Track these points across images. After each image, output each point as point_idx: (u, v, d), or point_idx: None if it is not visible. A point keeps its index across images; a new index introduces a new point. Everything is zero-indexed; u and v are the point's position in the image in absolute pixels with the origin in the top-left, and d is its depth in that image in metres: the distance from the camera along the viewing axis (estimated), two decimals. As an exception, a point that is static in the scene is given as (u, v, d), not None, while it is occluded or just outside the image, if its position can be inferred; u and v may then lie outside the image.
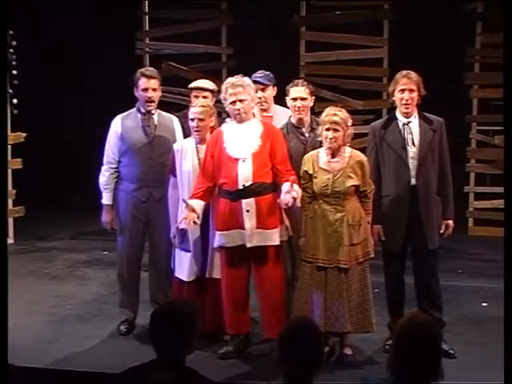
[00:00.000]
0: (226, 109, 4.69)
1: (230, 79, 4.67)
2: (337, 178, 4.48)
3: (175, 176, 4.84)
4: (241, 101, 4.55)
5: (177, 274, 4.87)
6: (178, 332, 2.81)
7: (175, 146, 4.87)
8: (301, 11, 8.23)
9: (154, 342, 2.85)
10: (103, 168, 5.11)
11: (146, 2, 8.52)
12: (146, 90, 4.98)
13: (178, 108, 5.75)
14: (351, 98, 7.97)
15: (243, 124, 4.59)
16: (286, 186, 4.39)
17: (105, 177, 5.08)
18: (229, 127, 4.67)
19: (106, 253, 7.23)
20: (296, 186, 4.40)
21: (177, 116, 5.23)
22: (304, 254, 4.55)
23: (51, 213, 8.79)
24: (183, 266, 4.82)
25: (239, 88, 4.55)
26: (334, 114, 4.47)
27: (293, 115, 4.89)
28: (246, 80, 4.65)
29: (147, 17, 8.57)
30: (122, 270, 5.15)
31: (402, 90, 4.60)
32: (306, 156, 4.60)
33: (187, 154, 4.79)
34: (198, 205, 4.56)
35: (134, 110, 5.10)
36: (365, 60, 8.19)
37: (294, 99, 4.83)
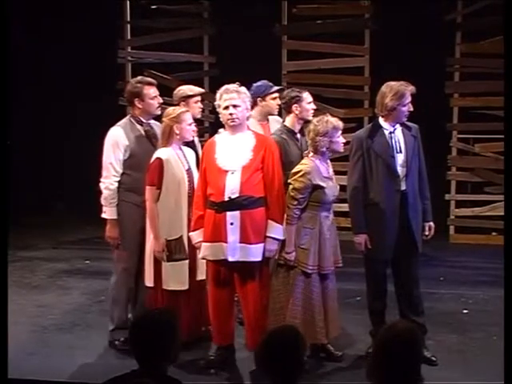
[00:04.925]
0: (220, 116, 4.50)
1: (225, 86, 4.51)
2: (336, 183, 4.57)
3: (156, 186, 4.65)
4: (234, 106, 4.38)
5: (165, 287, 4.68)
6: (158, 340, 2.79)
7: (162, 156, 4.67)
8: (283, 20, 8.28)
9: (134, 351, 2.84)
10: (107, 181, 4.80)
11: (128, 10, 8.53)
12: (155, 97, 4.90)
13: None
14: (333, 107, 8.01)
15: (236, 135, 4.45)
16: (274, 231, 4.40)
17: (110, 190, 4.79)
18: (221, 138, 4.55)
19: (87, 262, 7.21)
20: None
21: None
22: (300, 264, 4.42)
23: (32, 222, 8.75)
24: (179, 276, 4.68)
25: (234, 94, 4.41)
26: (336, 120, 4.50)
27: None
28: (243, 88, 4.50)
29: (129, 26, 8.58)
30: (129, 284, 4.88)
31: (408, 103, 4.62)
32: (307, 169, 4.44)
33: (176, 163, 4.69)
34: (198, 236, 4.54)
35: (127, 120, 4.91)
36: (346, 69, 8.24)
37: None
